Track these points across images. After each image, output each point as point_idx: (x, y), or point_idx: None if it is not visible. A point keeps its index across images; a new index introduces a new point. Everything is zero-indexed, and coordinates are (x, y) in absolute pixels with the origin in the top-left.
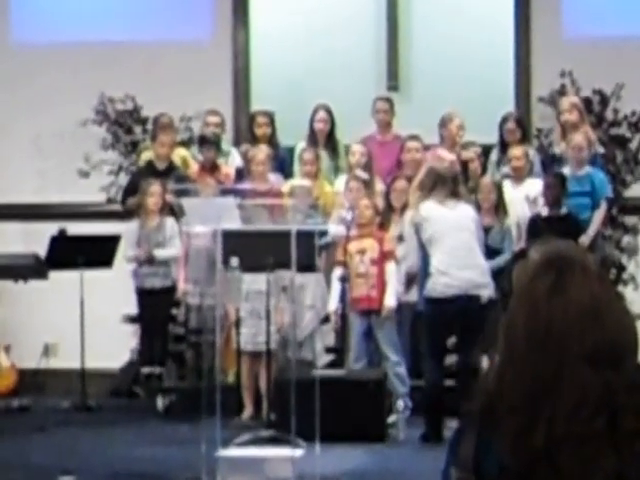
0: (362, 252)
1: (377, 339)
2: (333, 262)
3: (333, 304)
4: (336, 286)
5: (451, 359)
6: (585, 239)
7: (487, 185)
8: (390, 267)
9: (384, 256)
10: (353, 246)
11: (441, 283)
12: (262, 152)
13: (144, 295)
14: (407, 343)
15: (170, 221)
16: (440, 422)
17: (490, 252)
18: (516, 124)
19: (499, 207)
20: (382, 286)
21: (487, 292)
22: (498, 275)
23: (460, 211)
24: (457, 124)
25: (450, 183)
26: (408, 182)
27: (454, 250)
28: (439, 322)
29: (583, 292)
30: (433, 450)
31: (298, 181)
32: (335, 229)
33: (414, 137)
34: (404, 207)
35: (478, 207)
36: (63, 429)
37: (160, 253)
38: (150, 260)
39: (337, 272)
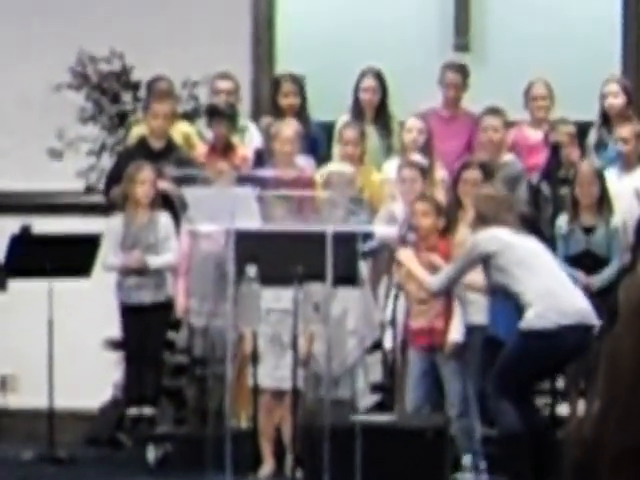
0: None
1: (442, 379)
2: (380, 274)
3: (389, 340)
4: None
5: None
6: None
7: (587, 175)
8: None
9: None
10: None
11: (551, 310)
12: (289, 128)
13: (130, 313)
14: (479, 378)
15: (164, 217)
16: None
17: (593, 261)
18: (620, 87)
19: (603, 203)
20: (450, 315)
21: (598, 322)
22: (604, 293)
23: (531, 238)
24: (540, 93)
25: (511, 211)
26: (482, 171)
27: (556, 274)
28: (543, 359)
29: None
30: None
31: (337, 166)
32: (383, 230)
33: (494, 111)
34: None
35: (575, 203)
36: None
37: (154, 261)
38: (142, 270)
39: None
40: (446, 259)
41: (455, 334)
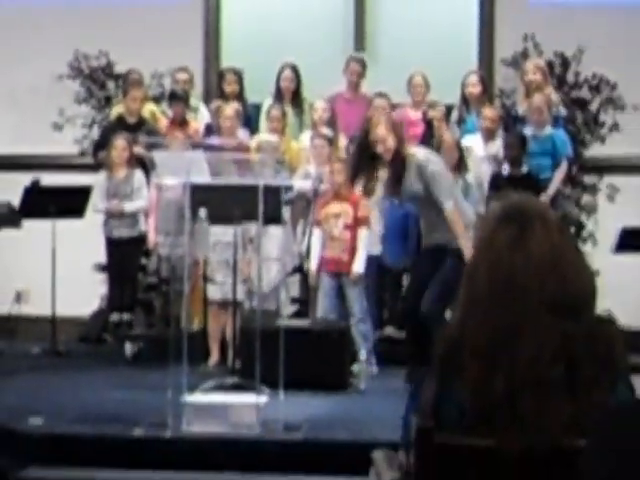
0: (337, 216)
1: (346, 296)
2: (298, 216)
3: (314, 264)
4: (316, 246)
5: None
6: (545, 197)
7: (449, 143)
8: (362, 233)
9: (357, 222)
10: (330, 209)
11: None
12: (230, 108)
13: (112, 244)
14: (373, 295)
15: (138, 173)
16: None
17: None
18: (478, 79)
19: (460, 164)
20: (353, 250)
21: None
22: None
23: None
24: (418, 82)
25: None
26: None
27: None
28: None
29: (543, 245)
30: (394, 398)
31: (265, 136)
32: (300, 184)
33: (382, 95)
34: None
35: None
36: (33, 373)
37: (129, 207)
38: (120, 214)
39: (316, 232)
40: (355, 210)
41: (358, 266)
